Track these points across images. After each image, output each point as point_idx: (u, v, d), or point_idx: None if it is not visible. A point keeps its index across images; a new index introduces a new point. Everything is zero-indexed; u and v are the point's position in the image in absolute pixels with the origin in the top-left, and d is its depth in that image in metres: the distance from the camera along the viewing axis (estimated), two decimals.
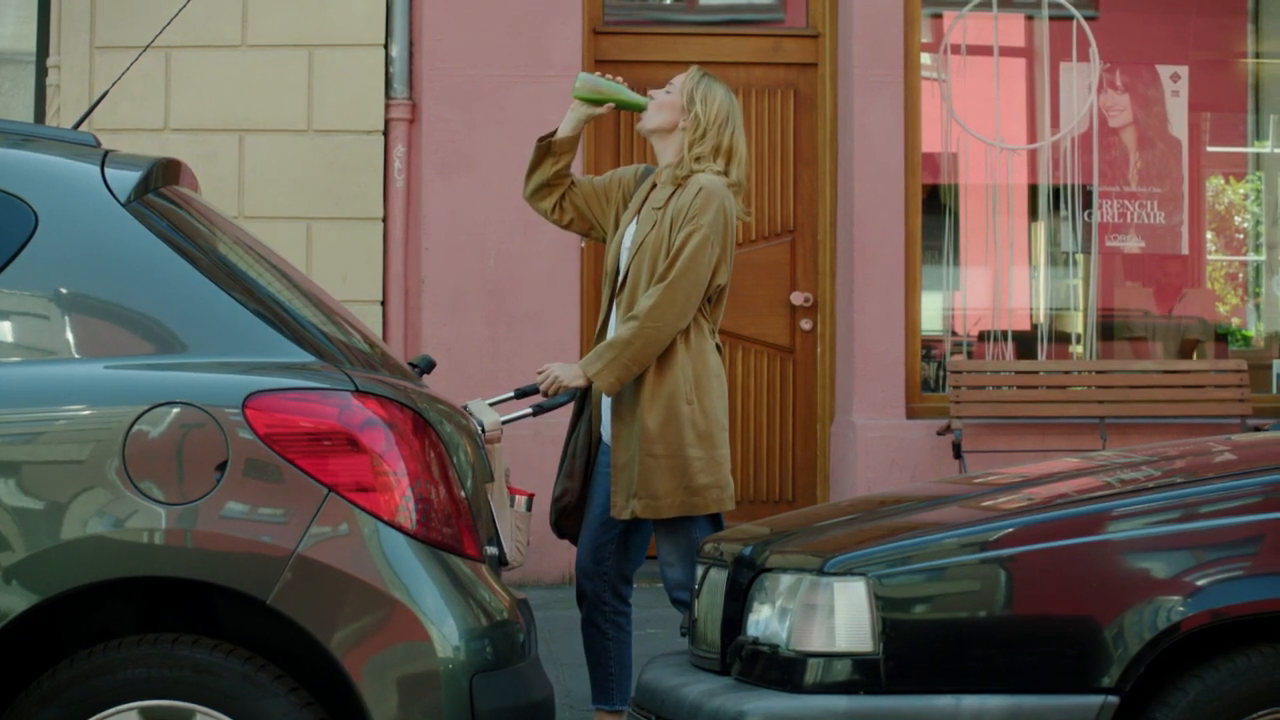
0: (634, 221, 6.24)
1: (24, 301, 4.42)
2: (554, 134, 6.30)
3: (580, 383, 6.11)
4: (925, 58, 10.34)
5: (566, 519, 6.29)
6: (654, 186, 6.26)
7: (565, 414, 6.34)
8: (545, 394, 6.15)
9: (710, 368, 6.15)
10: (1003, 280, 10.57)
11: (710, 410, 6.12)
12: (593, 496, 6.23)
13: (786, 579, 4.42)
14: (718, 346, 6.24)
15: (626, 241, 6.22)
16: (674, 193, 6.15)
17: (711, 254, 6.07)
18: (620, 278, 6.19)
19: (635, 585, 6.35)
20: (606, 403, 6.19)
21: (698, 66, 6.38)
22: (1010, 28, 10.67)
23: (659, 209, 6.15)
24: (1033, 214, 10.67)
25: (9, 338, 4.43)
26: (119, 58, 9.36)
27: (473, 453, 4.71)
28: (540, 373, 6.19)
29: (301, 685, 4.29)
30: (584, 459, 6.25)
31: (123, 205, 4.49)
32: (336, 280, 9.47)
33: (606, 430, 6.21)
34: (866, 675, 4.25)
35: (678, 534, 6.10)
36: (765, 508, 9.24)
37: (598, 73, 6.45)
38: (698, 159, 6.17)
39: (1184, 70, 10.73)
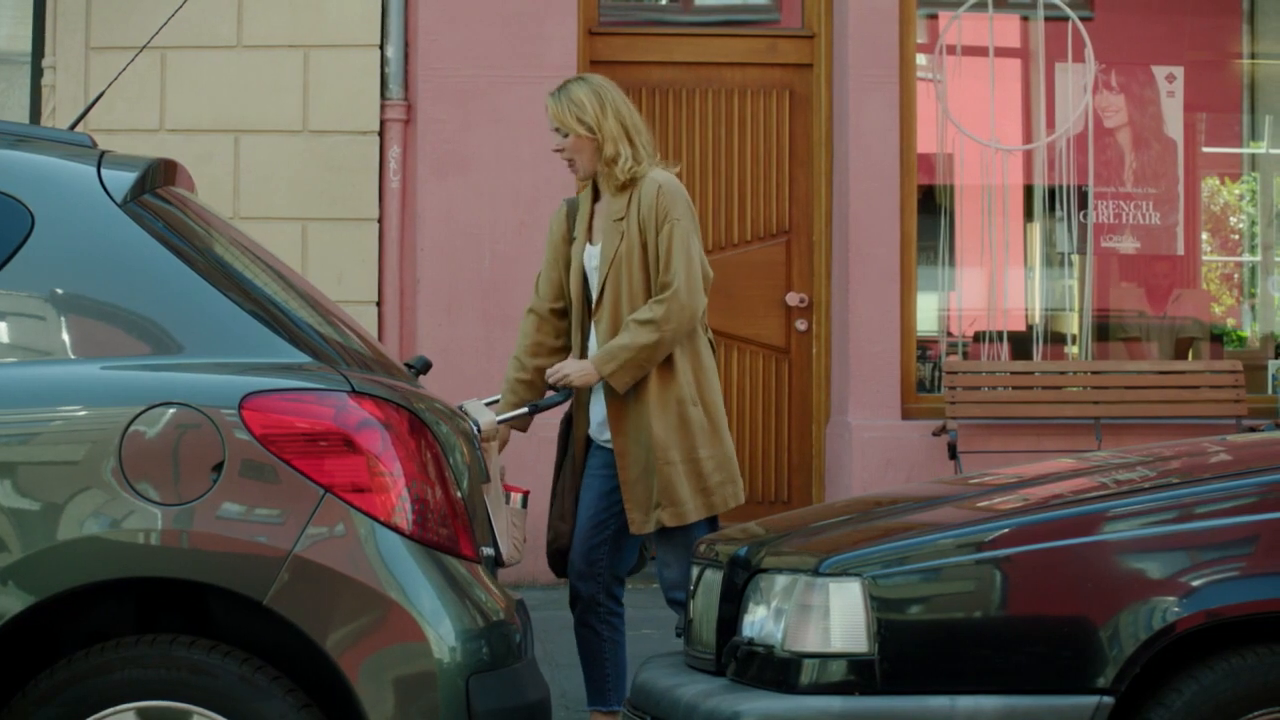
0: (588, 244, 6.20)
1: (20, 302, 4.42)
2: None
3: (592, 380, 6.08)
4: (920, 58, 10.34)
5: (562, 559, 6.28)
6: (595, 202, 6.21)
7: (561, 412, 6.33)
8: (554, 388, 6.14)
9: (705, 365, 6.16)
10: (998, 281, 10.57)
11: (713, 407, 6.13)
12: (583, 499, 6.21)
13: (781, 580, 4.42)
14: (710, 342, 6.23)
15: (593, 262, 6.16)
16: (630, 199, 6.11)
17: (697, 243, 6.07)
18: (597, 295, 6.15)
19: (630, 586, 6.34)
20: (596, 405, 6.17)
21: (551, 92, 6.27)
22: (1006, 28, 10.67)
23: (620, 219, 6.11)
24: (1028, 214, 10.67)
25: (5, 338, 4.42)
26: (114, 58, 9.36)
27: (469, 453, 4.71)
28: (553, 370, 6.15)
29: (298, 686, 4.29)
30: (573, 497, 6.23)
31: (119, 206, 4.49)
32: (332, 281, 9.47)
33: (595, 430, 6.19)
34: (862, 676, 4.25)
35: (676, 535, 6.09)
36: (761, 508, 9.24)
37: None
38: (617, 159, 6.10)
39: (1179, 71, 10.73)
